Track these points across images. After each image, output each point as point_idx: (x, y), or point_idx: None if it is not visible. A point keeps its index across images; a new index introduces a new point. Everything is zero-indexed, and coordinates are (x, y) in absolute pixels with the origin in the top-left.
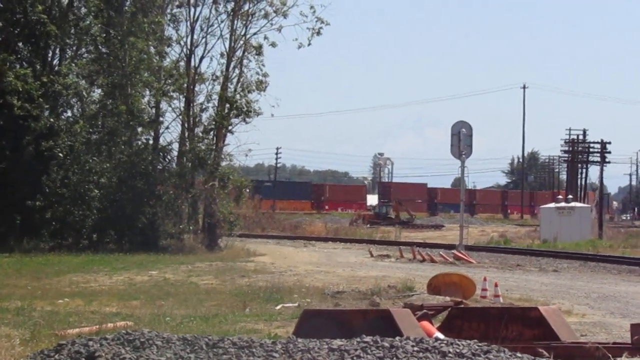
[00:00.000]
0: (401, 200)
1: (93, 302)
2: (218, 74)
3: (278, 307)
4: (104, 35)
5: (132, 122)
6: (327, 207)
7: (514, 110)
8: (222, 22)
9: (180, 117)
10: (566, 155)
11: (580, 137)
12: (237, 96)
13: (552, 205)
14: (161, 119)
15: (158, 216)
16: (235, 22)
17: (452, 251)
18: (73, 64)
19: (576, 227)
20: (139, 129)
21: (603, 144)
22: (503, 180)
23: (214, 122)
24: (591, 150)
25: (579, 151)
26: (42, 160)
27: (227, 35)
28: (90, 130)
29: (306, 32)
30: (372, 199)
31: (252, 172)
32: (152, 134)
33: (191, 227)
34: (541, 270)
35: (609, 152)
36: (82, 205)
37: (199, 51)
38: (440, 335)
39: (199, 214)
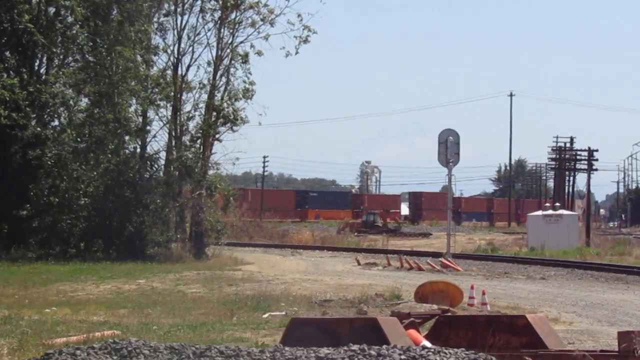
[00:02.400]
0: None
1: (80, 311)
2: (205, 82)
3: (265, 315)
4: (91, 44)
5: (119, 131)
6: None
7: (501, 118)
8: (209, 30)
9: (168, 125)
10: (553, 162)
11: (568, 144)
12: (224, 104)
13: (540, 212)
14: (148, 127)
15: (145, 225)
16: (222, 30)
17: (440, 259)
18: (60, 73)
19: (563, 235)
20: (126, 138)
21: (590, 152)
22: (490, 188)
23: (201, 131)
24: (578, 157)
25: (566, 159)
26: (29, 169)
27: (214, 44)
28: (78, 139)
29: (293, 40)
30: (404, 209)
31: (240, 180)
32: (139, 142)
33: (179, 236)
34: (529, 278)
35: (596, 160)
36: (70, 214)
37: (186, 59)
38: (428, 344)
39: (186, 222)
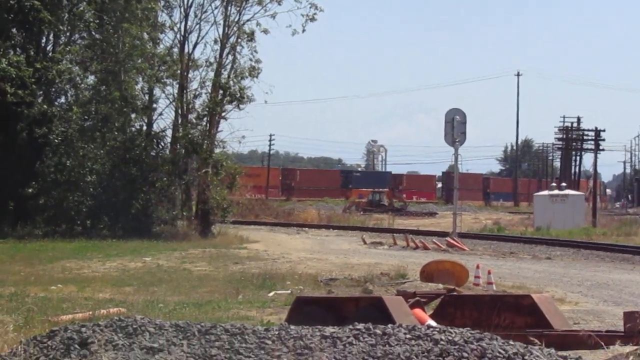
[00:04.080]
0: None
1: (86, 288)
2: (211, 60)
3: (271, 294)
4: (98, 21)
5: (125, 109)
6: (404, 196)
7: (508, 97)
8: (215, 8)
9: (174, 103)
10: (560, 142)
11: (575, 124)
12: (231, 82)
13: (546, 192)
14: (154, 105)
15: (151, 202)
16: (229, 8)
17: (446, 238)
18: (67, 50)
19: (570, 215)
20: (133, 116)
21: (597, 132)
22: (497, 167)
23: (207, 109)
24: (585, 137)
25: (573, 139)
26: (35, 147)
27: (221, 22)
28: (84, 116)
29: (300, 18)
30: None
31: (246, 158)
32: (146, 120)
33: (184, 214)
34: (534, 258)
35: (603, 140)
36: (76, 192)
37: (192, 37)
38: (433, 323)
39: (192, 200)
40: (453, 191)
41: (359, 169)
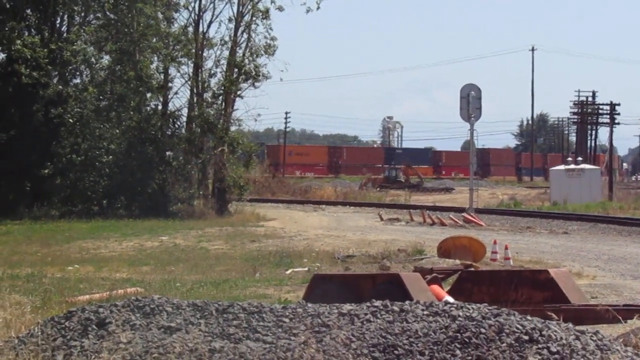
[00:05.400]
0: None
1: (103, 268)
2: (226, 39)
3: (288, 271)
4: (112, 1)
5: (140, 88)
6: (444, 172)
7: (523, 72)
8: None
9: (189, 82)
10: (575, 117)
11: (590, 98)
12: (246, 61)
13: (562, 167)
14: (170, 84)
15: (168, 182)
16: None
17: (462, 214)
18: (81, 31)
19: (586, 189)
20: (148, 95)
21: (612, 106)
22: (513, 142)
23: (222, 87)
24: (600, 112)
25: (589, 113)
26: (51, 128)
27: (235, 0)
28: (100, 96)
29: None
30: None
31: (262, 136)
32: (161, 99)
33: (201, 192)
34: (551, 233)
35: (619, 114)
36: (92, 172)
37: (207, 16)
38: (450, 299)
39: (208, 179)
40: (489, 167)
41: (397, 148)
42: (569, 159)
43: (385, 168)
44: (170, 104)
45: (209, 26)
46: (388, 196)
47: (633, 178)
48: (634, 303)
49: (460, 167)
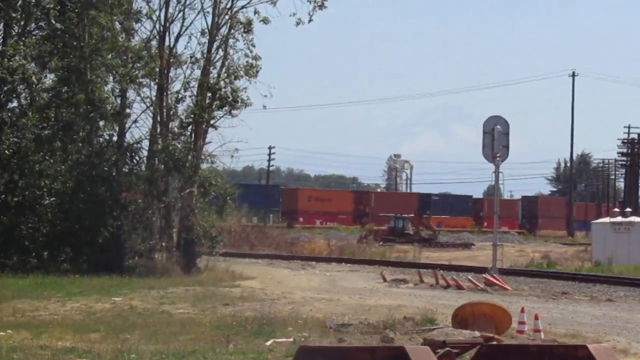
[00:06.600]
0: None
1: (42, 334)
2: (198, 56)
3: (269, 342)
4: (58, 7)
5: (92, 115)
6: (485, 224)
7: (559, 103)
8: None
9: (152, 108)
10: (624, 158)
11: None
12: (222, 83)
13: (606, 219)
14: (128, 110)
15: (123, 230)
16: None
17: (484, 275)
18: (20, 44)
19: (636, 247)
20: (101, 123)
21: None
22: (546, 188)
23: (192, 115)
24: None
25: None
26: None
27: (210, 9)
28: (42, 124)
29: (306, 5)
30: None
31: (239, 176)
32: (117, 129)
33: (164, 244)
34: (592, 300)
35: None
36: (31, 217)
37: (174, 28)
38: None
39: (173, 227)
40: (536, 219)
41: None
42: (616, 209)
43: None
44: (127, 135)
45: (177, 40)
46: (393, 252)
47: None
48: None
49: (503, 219)
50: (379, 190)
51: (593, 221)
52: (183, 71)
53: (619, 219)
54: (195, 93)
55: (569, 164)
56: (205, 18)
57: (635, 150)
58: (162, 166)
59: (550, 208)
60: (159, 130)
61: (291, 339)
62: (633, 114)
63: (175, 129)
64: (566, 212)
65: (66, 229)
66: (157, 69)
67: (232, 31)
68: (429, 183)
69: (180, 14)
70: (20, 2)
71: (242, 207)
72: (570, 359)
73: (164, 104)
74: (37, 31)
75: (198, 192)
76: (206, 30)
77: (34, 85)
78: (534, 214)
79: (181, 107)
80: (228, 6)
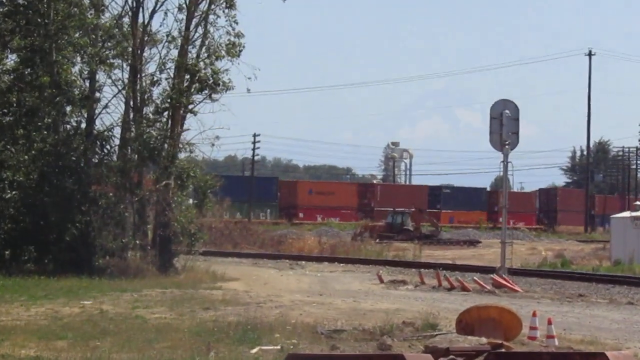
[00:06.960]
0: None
1: (4, 342)
2: (175, 34)
3: (254, 350)
4: None
5: (58, 99)
6: (500, 220)
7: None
8: None
9: (124, 92)
10: None
11: None
12: (201, 64)
13: (626, 214)
14: (97, 94)
15: (93, 227)
16: None
17: (491, 276)
18: None
19: None
20: (68, 109)
21: None
22: (560, 179)
23: (169, 100)
24: None
25: None
26: None
27: None
28: (2, 110)
29: None
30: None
31: (221, 167)
32: (86, 115)
33: (137, 242)
34: (611, 303)
35: None
36: None
37: (149, 3)
38: None
39: (148, 224)
40: (555, 214)
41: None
42: (637, 202)
43: (429, 214)
44: (97, 122)
45: (151, 17)
46: (391, 250)
47: None
48: None
49: (520, 214)
50: (374, 181)
51: (612, 216)
52: (158, 51)
53: None
54: (172, 75)
55: (585, 153)
56: None
57: None
58: (136, 156)
59: (569, 202)
60: (132, 116)
61: (279, 347)
62: None
63: (150, 115)
64: (585, 206)
65: (30, 225)
66: (130, 49)
67: (213, 6)
68: (431, 174)
69: None
70: None
71: (224, 201)
72: None
73: (138, 87)
74: None
75: (175, 185)
76: (184, 5)
77: None
78: (552, 208)
79: (156, 91)
80: None
